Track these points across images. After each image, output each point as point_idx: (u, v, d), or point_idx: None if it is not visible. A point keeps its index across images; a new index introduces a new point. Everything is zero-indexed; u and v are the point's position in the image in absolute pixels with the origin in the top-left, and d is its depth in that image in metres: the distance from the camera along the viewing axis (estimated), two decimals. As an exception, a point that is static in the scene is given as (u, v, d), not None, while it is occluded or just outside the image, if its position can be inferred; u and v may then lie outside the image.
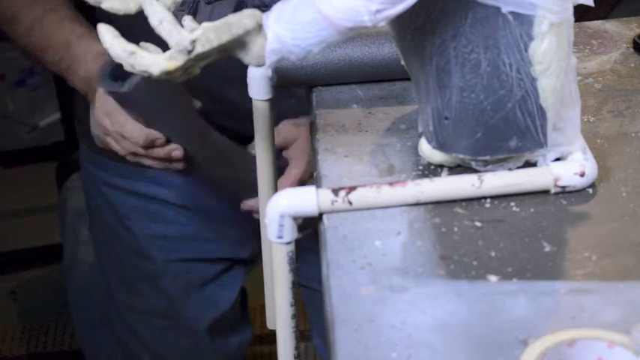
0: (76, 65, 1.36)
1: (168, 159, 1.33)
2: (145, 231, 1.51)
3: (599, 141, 0.94)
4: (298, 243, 0.86)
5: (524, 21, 0.81)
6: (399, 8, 0.78)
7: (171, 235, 1.51)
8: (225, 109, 1.39)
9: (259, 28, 0.80)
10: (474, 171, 0.88)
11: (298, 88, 1.07)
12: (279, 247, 0.84)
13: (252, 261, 1.60)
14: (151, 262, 1.52)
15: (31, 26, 1.39)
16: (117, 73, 1.17)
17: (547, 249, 0.81)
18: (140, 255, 1.52)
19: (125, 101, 1.24)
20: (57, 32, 1.37)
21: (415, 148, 0.92)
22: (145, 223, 1.51)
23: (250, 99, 1.02)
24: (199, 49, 0.79)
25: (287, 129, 1.39)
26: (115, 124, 1.31)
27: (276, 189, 1.05)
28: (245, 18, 0.80)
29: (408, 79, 0.93)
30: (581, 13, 1.11)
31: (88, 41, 1.35)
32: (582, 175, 0.86)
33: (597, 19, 1.15)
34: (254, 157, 1.33)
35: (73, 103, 1.59)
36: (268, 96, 1.01)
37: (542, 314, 0.75)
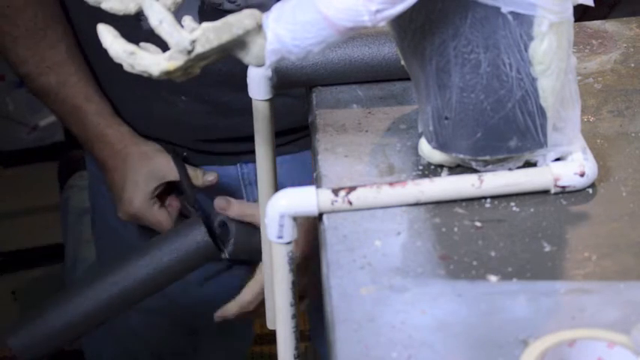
0: (90, 145, 1.44)
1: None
2: (145, 230, 1.51)
3: (599, 141, 0.94)
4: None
5: (524, 21, 0.81)
6: (399, 8, 0.78)
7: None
8: (218, 109, 1.40)
9: (259, 28, 0.80)
10: (474, 171, 0.88)
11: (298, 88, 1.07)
12: (279, 247, 0.84)
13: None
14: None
15: (46, 94, 1.44)
16: None
17: (547, 249, 0.81)
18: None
19: None
20: (71, 110, 1.42)
21: (415, 148, 0.92)
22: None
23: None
24: (199, 49, 0.79)
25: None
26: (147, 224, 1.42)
27: (276, 189, 1.05)
28: (245, 18, 0.80)
29: (408, 79, 0.93)
30: (581, 13, 1.11)
31: (102, 131, 1.42)
32: (582, 175, 0.86)
33: (597, 19, 1.15)
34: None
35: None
36: (268, 96, 1.01)
37: (542, 314, 0.75)
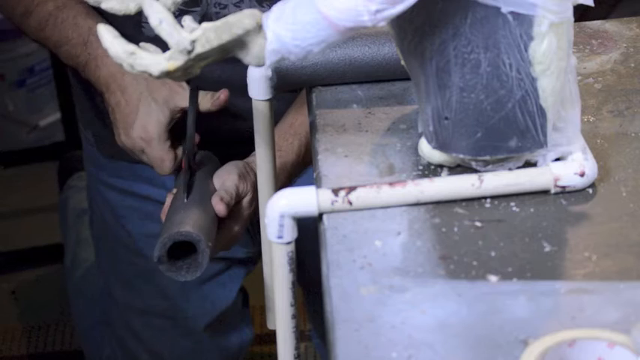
0: (94, 64, 1.35)
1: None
2: (141, 230, 1.51)
3: (599, 141, 0.94)
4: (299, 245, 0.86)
5: (524, 21, 0.81)
6: (399, 8, 0.78)
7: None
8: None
9: (259, 28, 0.80)
10: (474, 171, 0.88)
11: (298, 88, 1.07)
12: (279, 247, 0.84)
13: (251, 260, 1.60)
14: (148, 260, 1.52)
15: (45, 22, 1.39)
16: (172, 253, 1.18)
17: (547, 249, 0.81)
18: (137, 254, 1.52)
19: None
20: (72, 29, 1.37)
21: (415, 148, 0.92)
22: (141, 222, 1.51)
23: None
24: (199, 49, 0.79)
25: (233, 180, 1.31)
26: (149, 157, 1.32)
27: (276, 189, 1.05)
28: (245, 18, 0.80)
29: (408, 79, 0.93)
30: (581, 13, 1.11)
31: None
32: (582, 175, 0.86)
33: (597, 19, 1.15)
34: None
35: (73, 102, 1.59)
36: (268, 96, 1.01)
37: (542, 314, 0.75)
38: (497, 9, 0.81)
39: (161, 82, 1.30)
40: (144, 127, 1.29)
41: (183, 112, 1.30)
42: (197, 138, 1.31)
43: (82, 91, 1.49)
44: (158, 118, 1.29)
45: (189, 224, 1.18)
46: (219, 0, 1.30)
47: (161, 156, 1.30)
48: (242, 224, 1.31)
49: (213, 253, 1.28)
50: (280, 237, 0.84)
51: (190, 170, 1.27)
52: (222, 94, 1.29)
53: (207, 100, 1.29)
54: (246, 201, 1.30)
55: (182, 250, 1.18)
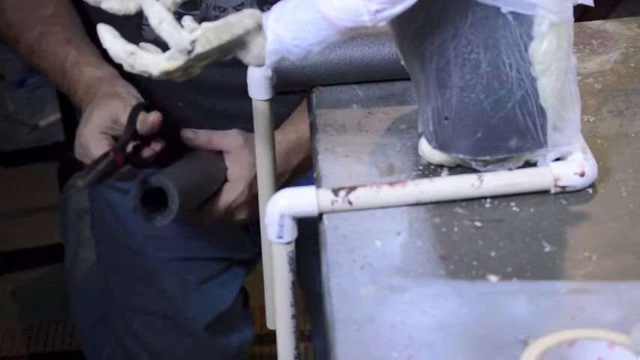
0: (72, 92, 1.38)
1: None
2: (142, 230, 1.51)
3: (599, 141, 0.94)
4: (298, 246, 0.86)
5: (524, 21, 0.81)
6: (399, 8, 0.78)
7: (168, 235, 1.51)
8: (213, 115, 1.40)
9: (259, 28, 0.80)
10: (474, 171, 0.88)
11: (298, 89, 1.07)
12: (279, 247, 0.84)
13: (251, 261, 1.60)
14: (148, 261, 1.52)
15: (31, 47, 1.40)
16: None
17: (547, 249, 0.81)
18: (137, 254, 1.52)
19: None
20: (53, 57, 1.38)
21: (415, 148, 0.92)
22: (141, 222, 1.51)
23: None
24: (199, 49, 0.79)
25: (234, 142, 1.35)
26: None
27: (276, 189, 1.05)
28: (245, 18, 0.80)
29: (408, 79, 0.93)
30: (581, 13, 1.11)
31: (80, 69, 1.36)
32: (582, 175, 0.86)
33: (597, 19, 1.15)
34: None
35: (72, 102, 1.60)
36: (268, 96, 1.01)
37: (542, 314, 0.75)
38: (497, 9, 0.81)
39: (110, 96, 1.30)
40: (80, 133, 1.30)
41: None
42: (154, 117, 1.29)
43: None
44: (93, 122, 1.29)
45: (161, 173, 1.27)
46: (219, 3, 1.31)
47: (99, 155, 1.28)
48: (241, 186, 1.35)
49: (212, 213, 1.37)
50: (280, 237, 0.84)
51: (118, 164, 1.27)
52: (152, 116, 1.28)
53: (140, 122, 1.29)
54: (247, 160, 1.33)
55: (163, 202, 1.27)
